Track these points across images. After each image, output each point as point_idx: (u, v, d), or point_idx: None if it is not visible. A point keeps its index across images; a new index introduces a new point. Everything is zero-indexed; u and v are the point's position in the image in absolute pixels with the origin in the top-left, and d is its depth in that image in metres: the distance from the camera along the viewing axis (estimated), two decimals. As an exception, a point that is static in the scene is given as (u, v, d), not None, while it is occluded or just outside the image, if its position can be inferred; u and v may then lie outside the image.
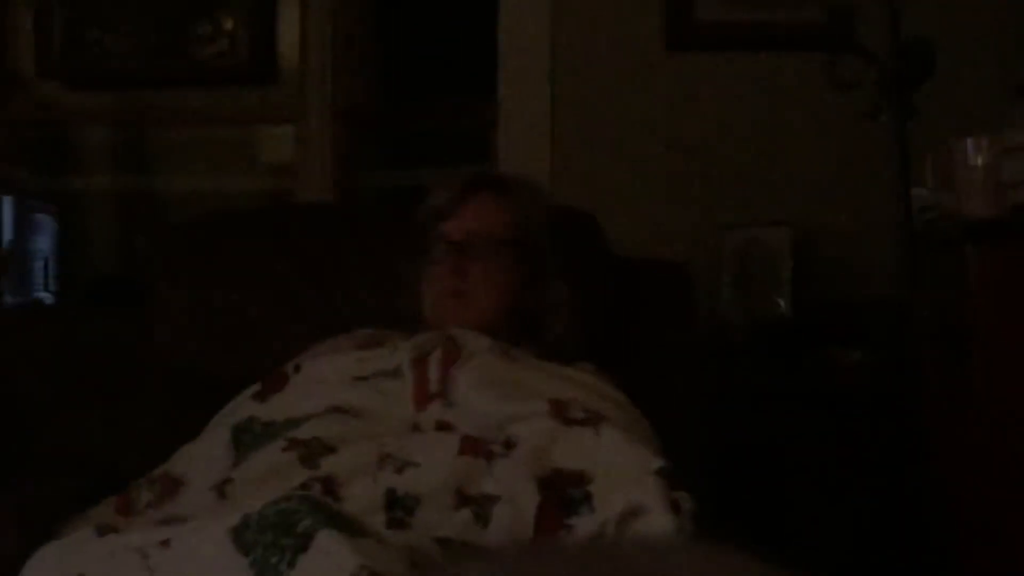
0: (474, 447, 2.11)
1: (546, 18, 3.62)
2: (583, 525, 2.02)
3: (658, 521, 1.95)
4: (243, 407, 2.35)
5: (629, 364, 2.60)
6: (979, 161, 2.54)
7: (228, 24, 3.99)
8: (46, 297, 4.11)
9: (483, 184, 2.53)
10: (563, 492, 2.05)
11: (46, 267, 4.14)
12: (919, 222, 2.53)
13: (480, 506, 2.03)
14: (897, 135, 2.33)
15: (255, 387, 2.38)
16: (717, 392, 2.85)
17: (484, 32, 3.66)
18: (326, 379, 2.34)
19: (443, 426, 2.19)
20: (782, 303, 3.42)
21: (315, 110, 3.83)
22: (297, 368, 2.40)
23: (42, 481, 2.46)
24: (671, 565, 0.36)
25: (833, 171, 3.44)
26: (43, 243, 4.15)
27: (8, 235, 3.95)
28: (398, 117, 4.15)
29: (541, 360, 2.41)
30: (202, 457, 2.25)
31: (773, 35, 3.44)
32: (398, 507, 2.02)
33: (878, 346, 3.10)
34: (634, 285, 2.81)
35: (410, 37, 4.16)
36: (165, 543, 1.85)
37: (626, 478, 2.04)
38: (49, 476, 2.49)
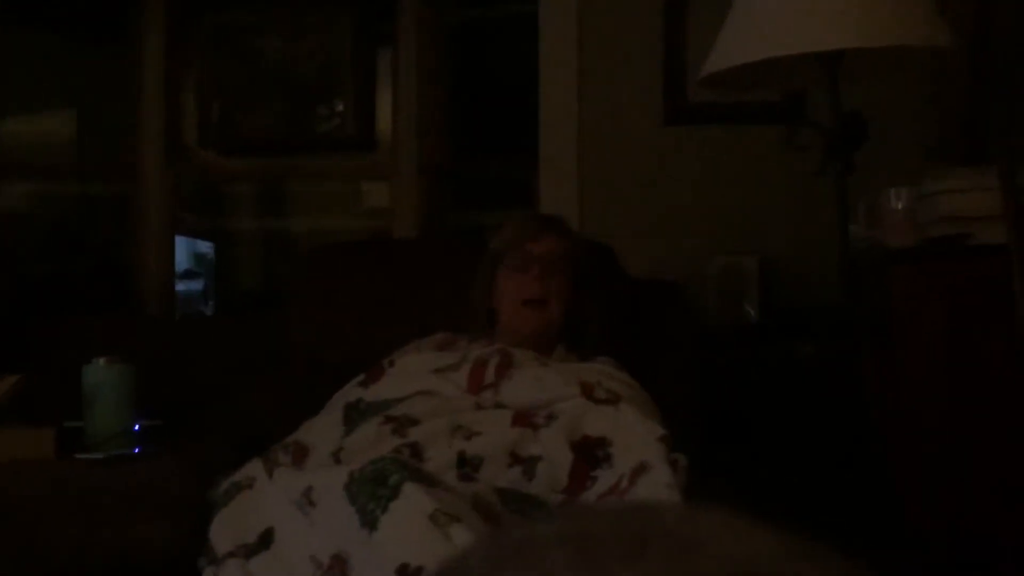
0: (523, 419, 2.12)
1: (575, 96, 3.62)
2: (604, 478, 2.04)
3: (661, 475, 1.96)
4: (352, 392, 2.36)
5: (640, 358, 2.61)
6: (899, 205, 2.54)
7: (340, 106, 4.00)
8: (208, 310, 4.14)
9: (550, 221, 2.56)
10: (590, 453, 2.07)
11: (207, 288, 4.17)
12: (856, 250, 2.53)
13: (528, 464, 2.05)
14: (839, 186, 2.33)
15: (360, 377, 2.40)
16: (705, 378, 2.85)
17: (530, 105, 3.66)
18: (412, 371, 2.35)
19: (499, 406, 2.20)
20: (752, 312, 3.42)
21: (404, 168, 3.84)
22: (391, 363, 2.41)
23: (212, 444, 2.48)
24: (698, 522, 0.35)
25: (791, 213, 3.43)
26: (206, 270, 4.18)
27: (181, 264, 3.98)
28: (465, 171, 4.16)
29: (571, 358, 2.42)
30: (322, 430, 2.27)
31: (745, 112, 3.43)
32: (467, 465, 2.03)
33: (826, 342, 3.09)
34: (643, 299, 2.82)
35: (474, 109, 4.16)
36: (307, 492, 1.89)
37: (637, 443, 2.05)
38: (217, 441, 2.51)
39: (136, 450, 2.34)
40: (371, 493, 1.77)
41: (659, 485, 1.97)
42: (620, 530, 0.36)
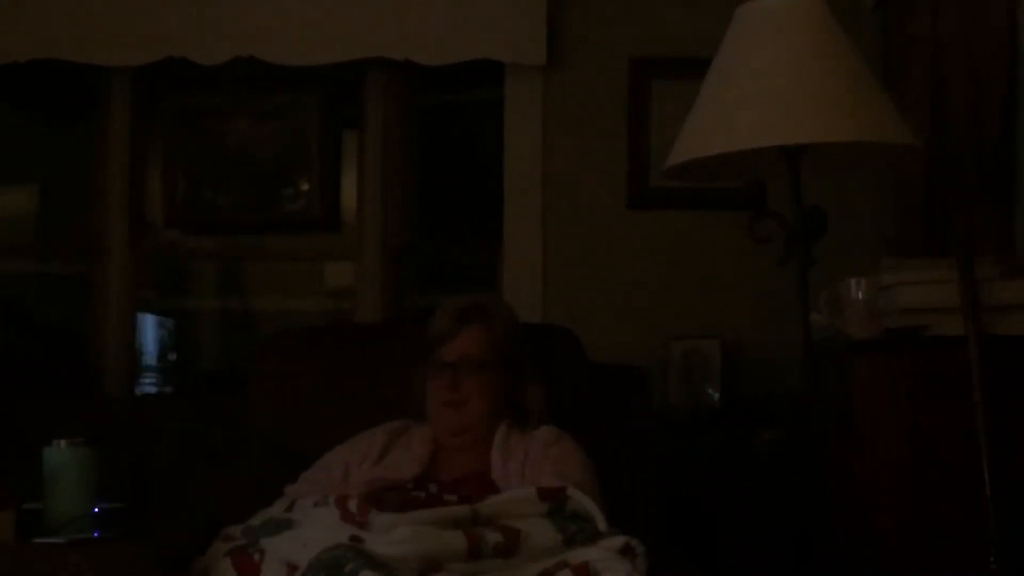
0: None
1: (539, 179, 3.67)
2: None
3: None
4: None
5: (599, 443, 2.62)
6: (860, 296, 2.58)
7: (304, 186, 4.02)
8: (168, 389, 4.12)
9: (472, 315, 2.53)
10: None
11: (168, 365, 4.16)
12: (817, 338, 2.56)
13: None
14: (799, 276, 2.37)
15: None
16: (665, 463, 2.86)
17: (494, 188, 3.70)
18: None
19: None
20: (715, 395, 3.45)
21: (368, 249, 3.85)
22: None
23: (171, 531, 2.47)
24: None
25: (753, 300, 3.48)
26: (166, 347, 4.17)
27: (143, 341, 3.97)
28: (430, 253, 4.18)
29: (514, 434, 2.45)
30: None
31: (708, 198, 3.49)
32: None
33: (787, 427, 3.11)
34: (604, 383, 2.83)
35: (439, 191, 4.20)
36: None
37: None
38: (176, 527, 2.50)
39: (96, 534, 2.32)
40: (328, 581, 1.77)
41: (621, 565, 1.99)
42: None
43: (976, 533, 2.31)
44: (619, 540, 2.05)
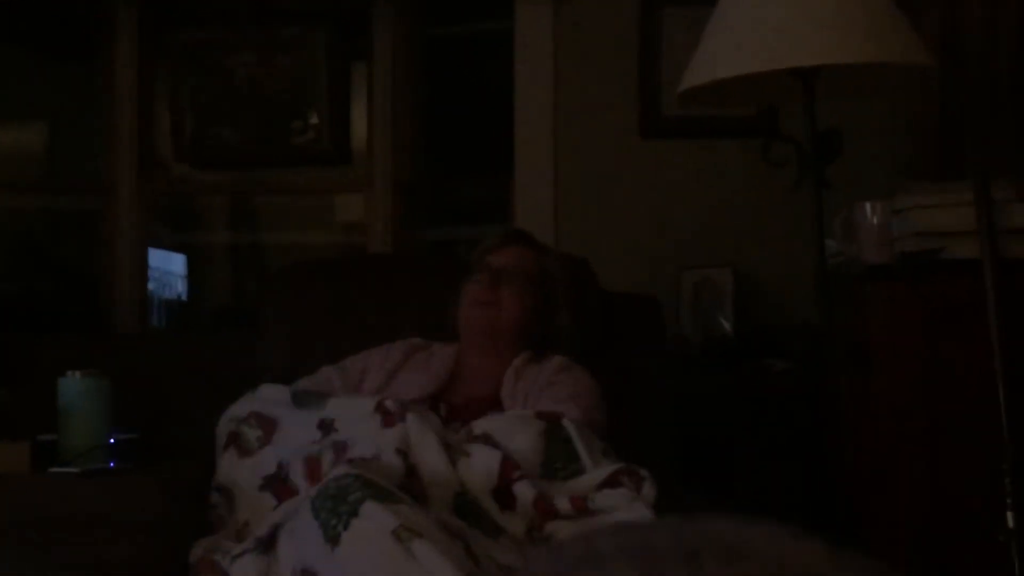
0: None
1: (550, 110, 3.64)
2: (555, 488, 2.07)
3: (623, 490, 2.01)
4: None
5: (617, 370, 2.63)
6: (874, 220, 2.57)
7: (314, 119, 4.00)
8: (180, 324, 4.13)
9: (518, 236, 2.67)
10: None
11: (179, 299, 4.16)
12: (830, 265, 2.55)
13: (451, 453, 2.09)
14: (814, 201, 2.35)
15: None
16: (678, 393, 2.87)
17: (505, 120, 3.68)
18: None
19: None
20: (727, 325, 3.44)
21: (379, 183, 3.85)
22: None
23: (178, 462, 2.48)
24: (746, 532, 0.38)
25: (766, 227, 3.46)
26: (177, 283, 4.17)
27: (153, 277, 3.97)
28: (440, 187, 4.17)
29: (529, 364, 2.44)
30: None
31: (720, 126, 3.46)
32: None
33: (800, 357, 3.11)
34: (619, 312, 2.83)
35: (450, 124, 4.17)
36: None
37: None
38: (182, 459, 2.51)
39: (111, 464, 2.34)
40: (332, 509, 1.78)
41: (623, 497, 2.01)
42: (676, 541, 0.38)
43: (992, 458, 2.31)
44: (602, 473, 2.07)
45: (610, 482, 2.08)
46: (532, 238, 2.69)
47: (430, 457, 2.03)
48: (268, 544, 1.96)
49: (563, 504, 2.02)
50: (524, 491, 2.03)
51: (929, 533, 2.43)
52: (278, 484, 2.18)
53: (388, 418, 2.13)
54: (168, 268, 4.17)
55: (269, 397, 2.40)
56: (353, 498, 1.78)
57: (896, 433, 2.47)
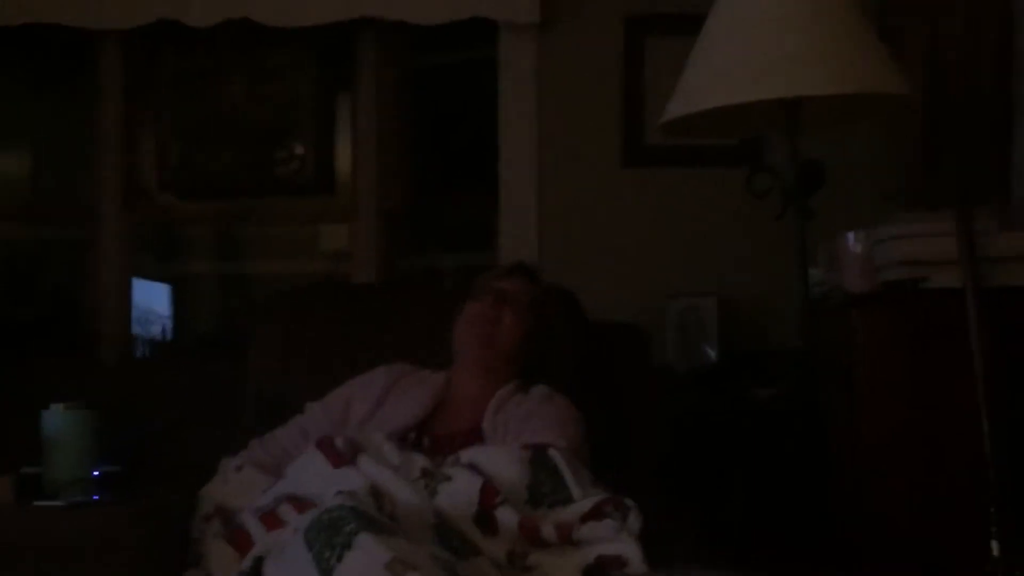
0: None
1: (534, 138, 3.66)
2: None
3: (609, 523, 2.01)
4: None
5: (598, 400, 2.63)
6: (857, 249, 2.57)
7: (299, 150, 4.01)
8: (164, 350, 4.11)
9: (524, 268, 2.65)
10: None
11: (163, 329, 4.15)
12: (815, 293, 2.56)
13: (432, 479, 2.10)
14: (797, 230, 2.36)
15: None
16: (664, 420, 2.86)
17: (489, 148, 3.69)
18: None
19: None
20: (712, 353, 3.44)
21: (363, 211, 3.85)
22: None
23: (163, 494, 2.47)
24: None
25: (750, 256, 3.47)
26: (162, 311, 4.16)
27: (138, 307, 3.95)
28: (425, 215, 4.16)
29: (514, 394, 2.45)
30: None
31: (703, 155, 3.47)
32: None
33: (785, 384, 3.11)
34: (604, 342, 2.83)
35: (434, 152, 4.17)
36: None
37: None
38: (168, 490, 2.49)
39: (95, 497, 2.32)
40: (327, 541, 1.77)
41: (608, 528, 2.01)
42: None
43: (977, 485, 2.32)
44: (588, 503, 2.07)
45: (596, 513, 2.07)
46: (537, 273, 2.68)
47: (396, 491, 2.02)
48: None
49: (548, 531, 2.01)
50: (507, 516, 2.02)
51: (918, 556, 2.43)
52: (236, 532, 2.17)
53: (336, 459, 2.14)
54: (153, 298, 4.16)
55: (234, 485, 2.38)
56: (348, 529, 1.77)
57: (882, 459, 2.47)
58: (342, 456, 2.15)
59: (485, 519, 2.04)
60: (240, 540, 2.11)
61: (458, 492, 2.06)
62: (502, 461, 2.15)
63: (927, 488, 2.42)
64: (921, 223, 2.47)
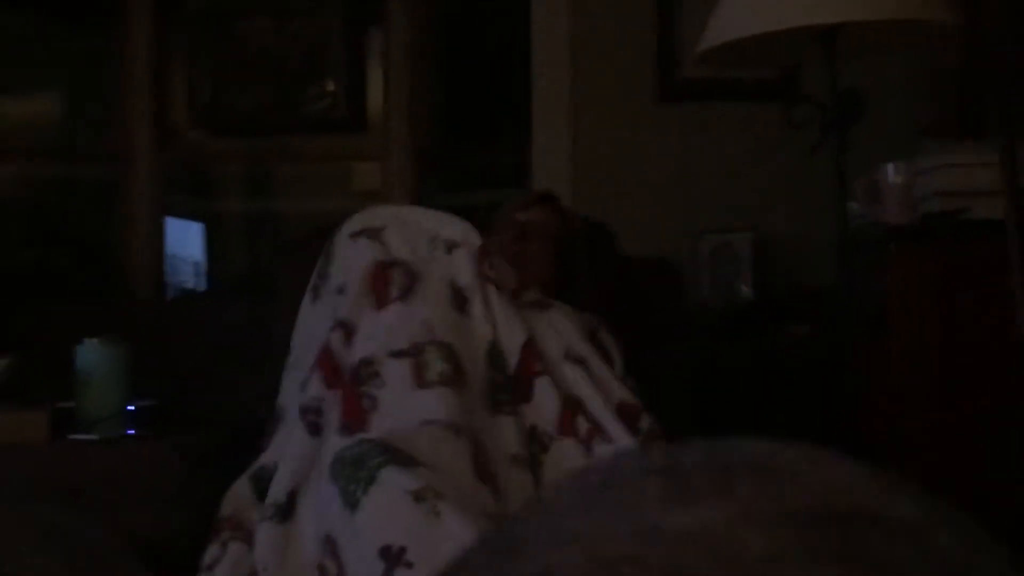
0: None
1: (568, 76, 3.61)
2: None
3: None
4: None
5: (633, 334, 2.61)
6: (897, 181, 2.53)
7: (330, 87, 3.98)
8: (197, 290, 4.11)
9: (546, 197, 2.61)
10: None
11: (196, 268, 4.15)
12: (852, 228, 2.52)
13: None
14: (836, 163, 2.32)
15: None
16: (698, 357, 2.85)
17: (522, 85, 3.65)
18: None
19: None
20: (746, 290, 3.41)
21: (395, 150, 3.83)
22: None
23: (196, 429, 2.47)
24: (783, 454, 0.35)
25: (786, 190, 3.42)
26: (194, 250, 4.16)
27: (170, 244, 3.96)
28: (456, 153, 4.14)
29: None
30: None
31: (740, 89, 3.42)
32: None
33: (820, 322, 3.08)
34: (637, 277, 2.81)
35: (467, 90, 4.14)
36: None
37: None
38: (201, 425, 2.50)
39: (129, 431, 2.33)
40: (351, 476, 1.77)
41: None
42: (707, 462, 0.36)
43: (1008, 422, 2.29)
44: (628, 393, 2.21)
45: (630, 415, 2.11)
46: (559, 200, 2.62)
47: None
48: (287, 511, 1.94)
49: (581, 424, 2.06)
50: (545, 390, 2.15)
51: (949, 498, 2.41)
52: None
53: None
54: (185, 237, 4.16)
55: None
56: (372, 463, 1.77)
57: (913, 396, 2.44)
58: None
59: (520, 383, 2.07)
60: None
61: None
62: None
63: (957, 423, 2.39)
64: (963, 153, 2.43)
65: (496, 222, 2.53)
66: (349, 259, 2.39)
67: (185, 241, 4.15)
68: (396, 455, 1.80)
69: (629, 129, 3.59)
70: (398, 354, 2.09)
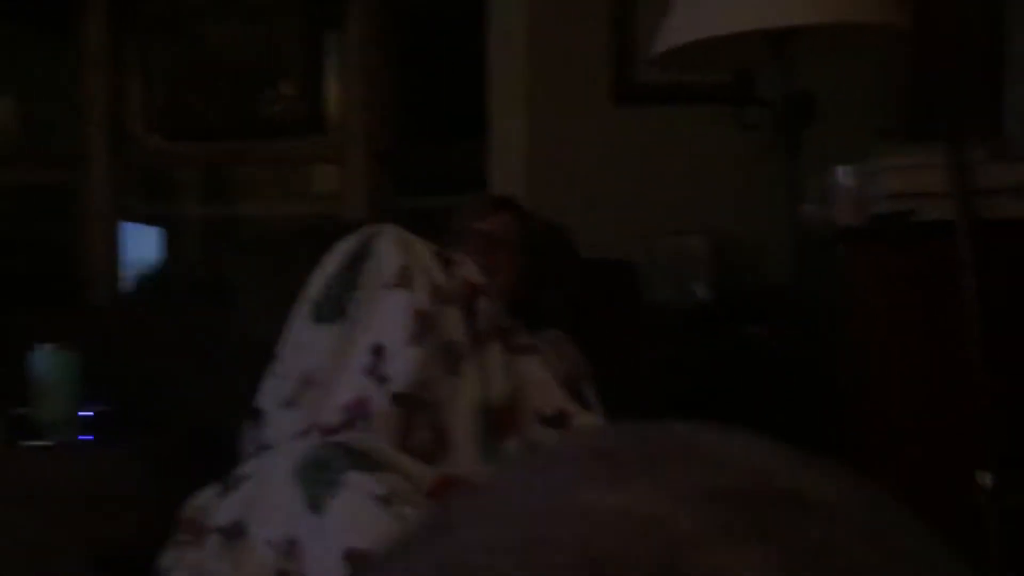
0: None
1: (524, 78, 3.62)
2: None
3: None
4: None
5: (591, 337, 2.62)
6: (848, 182, 2.55)
7: (287, 90, 3.97)
8: (154, 295, 4.10)
9: (505, 202, 2.62)
10: None
11: (153, 273, 4.13)
12: (805, 229, 2.54)
13: None
14: (788, 165, 2.34)
15: None
16: (658, 357, 2.86)
17: (480, 88, 3.66)
18: None
19: None
20: (703, 292, 3.43)
21: (353, 153, 3.82)
22: None
23: (153, 434, 2.47)
24: (713, 437, 0.37)
25: (742, 192, 3.44)
26: (151, 256, 4.14)
27: (127, 249, 3.94)
28: (414, 156, 4.14)
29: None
30: None
31: (695, 92, 3.44)
32: None
33: (775, 322, 3.10)
34: (595, 279, 2.82)
35: (424, 93, 4.15)
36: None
37: None
38: (158, 430, 2.49)
39: (85, 437, 2.32)
40: (316, 478, 1.76)
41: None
42: (639, 445, 0.37)
43: (969, 421, 2.31)
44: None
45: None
46: (518, 205, 2.62)
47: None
48: (240, 522, 1.93)
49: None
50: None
51: (906, 493, 2.43)
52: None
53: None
54: (142, 242, 4.14)
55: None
56: (337, 466, 1.76)
57: (873, 392, 2.46)
58: None
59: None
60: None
61: None
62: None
63: (915, 424, 2.42)
64: (912, 155, 2.45)
65: (455, 232, 2.52)
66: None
67: (143, 246, 4.13)
68: (361, 459, 1.81)
69: (586, 132, 3.60)
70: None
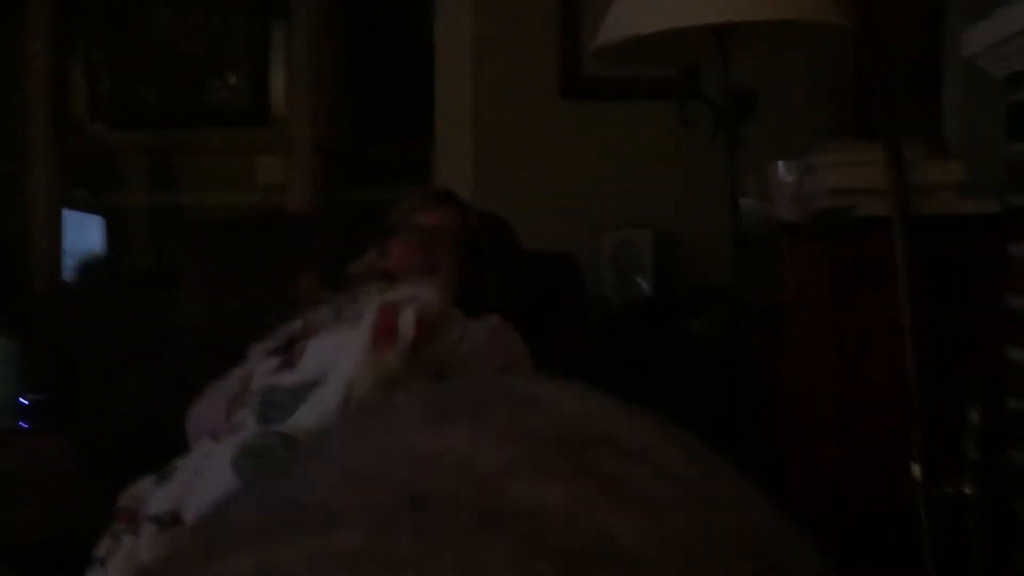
0: None
1: (470, 71, 3.63)
2: None
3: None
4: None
5: (539, 330, 2.63)
6: (788, 178, 2.58)
7: (232, 79, 3.95)
8: (96, 284, 4.07)
9: (444, 194, 2.59)
10: None
11: (96, 263, 4.11)
12: (745, 224, 2.57)
13: None
14: (728, 160, 2.36)
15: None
16: (600, 350, 2.87)
17: (425, 83, 3.66)
18: None
19: None
20: (647, 286, 3.45)
21: (299, 144, 3.82)
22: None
23: (92, 421, 2.45)
24: (536, 385, 0.40)
25: (686, 188, 3.47)
26: (95, 245, 4.12)
27: (69, 240, 3.91)
28: (360, 148, 4.13)
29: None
30: None
31: (640, 87, 3.46)
32: None
33: (716, 316, 3.13)
34: (539, 272, 2.83)
35: (370, 87, 4.14)
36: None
37: None
38: (97, 418, 2.48)
39: (23, 424, 2.31)
40: (258, 467, 1.77)
41: None
42: (466, 393, 0.39)
43: (901, 412, 2.34)
44: None
45: None
46: (457, 196, 2.63)
47: None
48: (175, 512, 1.92)
49: None
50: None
51: (842, 484, 2.47)
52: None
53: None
54: (85, 230, 4.11)
55: None
56: (278, 455, 1.77)
57: (805, 389, 2.49)
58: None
59: None
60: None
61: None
62: None
63: (848, 421, 2.45)
64: (851, 152, 2.48)
65: (392, 223, 2.52)
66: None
67: (86, 235, 4.10)
68: (298, 446, 1.81)
69: (532, 126, 3.61)
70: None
